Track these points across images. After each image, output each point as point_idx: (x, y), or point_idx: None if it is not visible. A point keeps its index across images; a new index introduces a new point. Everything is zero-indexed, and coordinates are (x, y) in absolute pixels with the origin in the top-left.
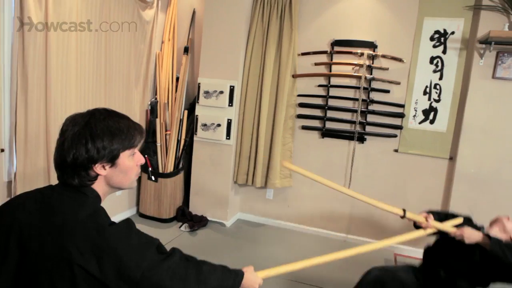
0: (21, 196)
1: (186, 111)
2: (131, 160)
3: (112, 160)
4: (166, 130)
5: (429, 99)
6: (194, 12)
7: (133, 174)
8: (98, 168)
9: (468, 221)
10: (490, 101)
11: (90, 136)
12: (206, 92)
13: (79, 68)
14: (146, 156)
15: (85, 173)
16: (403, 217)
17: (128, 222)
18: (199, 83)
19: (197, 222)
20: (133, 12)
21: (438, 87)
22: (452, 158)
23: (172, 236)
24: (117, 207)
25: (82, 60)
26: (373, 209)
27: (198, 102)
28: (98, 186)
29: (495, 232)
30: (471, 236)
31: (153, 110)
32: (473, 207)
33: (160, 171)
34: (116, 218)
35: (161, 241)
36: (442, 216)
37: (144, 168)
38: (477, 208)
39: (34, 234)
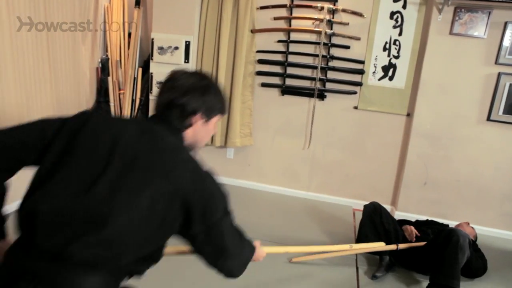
0: (117, 118)
1: (140, 69)
2: (214, 125)
3: (208, 117)
4: (119, 89)
5: (389, 55)
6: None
7: (208, 137)
8: (196, 119)
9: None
10: (446, 57)
11: (206, 91)
12: (161, 48)
13: (13, 23)
14: None
15: (186, 118)
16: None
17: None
18: (152, 39)
19: None
20: None
21: (397, 43)
22: (409, 115)
23: None
24: None
25: (16, 11)
26: (332, 167)
27: (152, 59)
28: (187, 134)
29: None
30: None
31: (104, 68)
32: (428, 162)
33: None
34: None
35: None
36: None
37: None
38: (431, 163)
39: (139, 153)
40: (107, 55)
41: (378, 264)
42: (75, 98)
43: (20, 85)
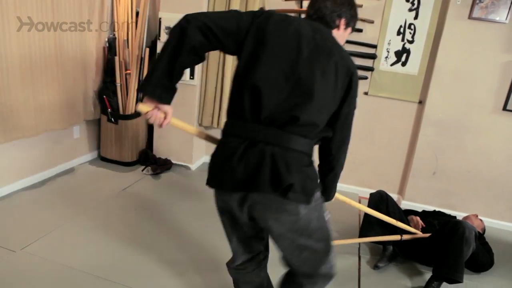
0: (290, 16)
1: (147, 49)
2: (346, 37)
3: (347, 25)
4: (126, 69)
5: (403, 39)
6: None
7: (342, 42)
8: (341, 23)
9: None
10: (464, 43)
11: (351, 6)
12: (168, 28)
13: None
14: (104, 96)
15: (336, 20)
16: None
17: None
18: (160, 18)
19: (160, 166)
20: None
21: (412, 27)
22: (421, 102)
23: (133, 180)
24: (76, 151)
25: None
26: None
27: (159, 39)
28: (334, 33)
29: None
30: None
31: (111, 47)
32: (438, 152)
33: (121, 112)
34: (75, 162)
35: (122, 184)
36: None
37: (103, 109)
38: (442, 152)
39: (318, 42)
40: (114, 35)
41: (381, 254)
42: (82, 78)
43: (26, 65)
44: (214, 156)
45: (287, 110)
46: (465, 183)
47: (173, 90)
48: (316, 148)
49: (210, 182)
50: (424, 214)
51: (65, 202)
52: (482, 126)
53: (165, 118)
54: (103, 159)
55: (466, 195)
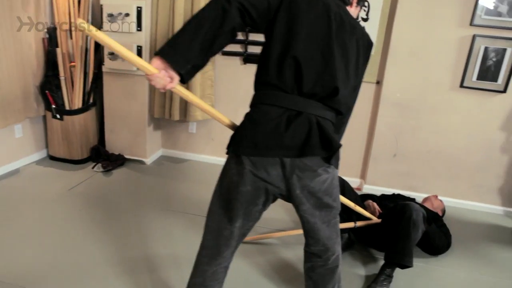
0: None
1: (93, 39)
2: (356, 15)
3: (358, 3)
4: (70, 62)
5: (357, 18)
6: None
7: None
8: (354, 0)
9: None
10: (418, 19)
11: None
12: (110, 15)
13: None
14: (47, 92)
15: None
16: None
17: None
18: (101, 5)
19: (112, 162)
20: None
21: (366, 4)
22: (379, 83)
23: (82, 178)
24: (20, 151)
25: None
26: None
27: (102, 28)
28: (348, 9)
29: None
30: None
31: (51, 38)
32: (397, 133)
33: (67, 108)
34: (21, 163)
35: (69, 184)
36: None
37: (47, 105)
38: (401, 134)
39: (343, 17)
40: (54, 24)
41: None
42: (19, 72)
43: None
44: (250, 125)
45: (328, 85)
46: (425, 163)
47: (198, 68)
48: None
49: (247, 150)
50: (382, 198)
51: (1, 206)
52: (440, 104)
53: (170, 82)
54: (52, 158)
55: (427, 176)
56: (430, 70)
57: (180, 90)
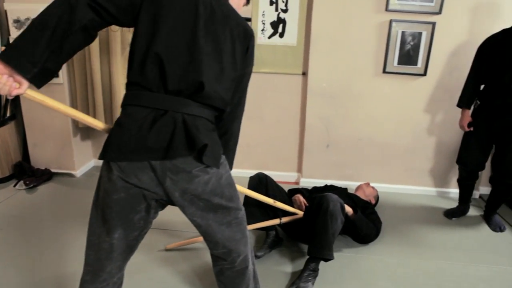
0: None
1: (3, 48)
2: (241, 5)
3: None
4: None
5: (276, 9)
6: None
7: (240, 7)
8: None
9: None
10: (336, 8)
11: None
12: (17, 22)
13: None
14: None
15: None
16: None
17: None
18: (5, 10)
19: (38, 177)
20: None
21: None
22: (305, 74)
23: (3, 198)
24: None
25: None
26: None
27: (10, 36)
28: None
29: (360, 196)
30: (347, 209)
31: None
32: (328, 123)
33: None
34: None
35: None
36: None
37: None
38: (332, 123)
39: (215, 9)
40: None
41: (263, 241)
42: None
43: None
44: (116, 130)
45: (192, 80)
46: (358, 151)
47: (50, 73)
48: None
49: (113, 155)
50: (313, 191)
51: None
52: (366, 91)
53: (18, 88)
54: None
55: (360, 164)
56: (353, 57)
57: (33, 95)
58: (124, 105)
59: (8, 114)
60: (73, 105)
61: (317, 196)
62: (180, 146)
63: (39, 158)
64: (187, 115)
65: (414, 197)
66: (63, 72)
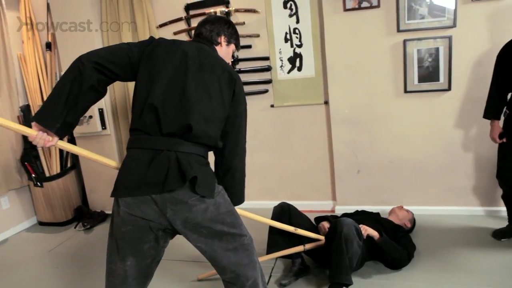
0: (176, 41)
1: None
2: (230, 54)
3: (228, 42)
4: None
5: (292, 45)
6: (48, 5)
7: (228, 59)
8: (221, 39)
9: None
10: (347, 36)
11: (226, 23)
12: None
13: None
14: (26, 163)
15: (216, 37)
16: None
17: None
18: None
19: (94, 218)
20: None
21: (297, 31)
22: (327, 102)
23: (64, 239)
24: (8, 221)
25: None
26: (265, 171)
27: None
28: (218, 49)
29: (393, 220)
30: (372, 233)
31: (25, 115)
32: (355, 149)
33: (47, 175)
34: (9, 233)
35: (52, 245)
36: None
37: (29, 175)
38: (359, 148)
39: (203, 60)
40: (27, 103)
41: (289, 269)
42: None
43: None
44: (121, 169)
45: (182, 123)
46: (390, 174)
47: (70, 125)
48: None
49: (119, 192)
50: (343, 217)
51: None
52: (389, 113)
53: (51, 140)
54: (40, 224)
55: (394, 187)
56: (372, 81)
57: (63, 145)
58: (128, 148)
59: (69, 165)
60: (120, 151)
61: (333, 221)
62: (174, 180)
63: (96, 201)
64: (180, 153)
65: (457, 219)
66: (110, 124)
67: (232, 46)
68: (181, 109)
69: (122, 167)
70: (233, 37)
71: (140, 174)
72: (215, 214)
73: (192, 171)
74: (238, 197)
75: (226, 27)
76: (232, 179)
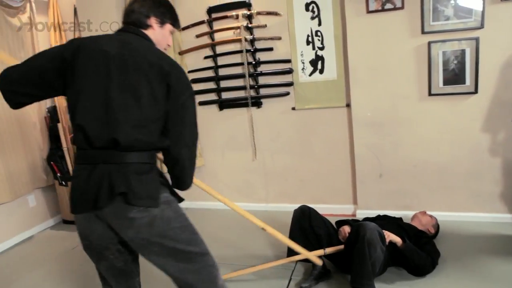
0: (97, 40)
1: None
2: (169, 35)
3: (162, 22)
4: (70, 134)
5: (313, 48)
6: (75, 9)
7: (165, 43)
8: (151, 21)
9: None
10: (370, 38)
11: (155, 2)
12: None
13: None
14: (52, 162)
15: (144, 19)
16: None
17: None
18: None
19: None
20: None
21: (319, 33)
22: (349, 105)
23: None
24: (34, 219)
25: None
26: (285, 174)
27: None
28: (149, 34)
29: (416, 226)
30: (395, 239)
31: (52, 116)
32: (378, 152)
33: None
34: (35, 230)
35: (77, 242)
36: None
37: (54, 174)
38: (382, 152)
39: (126, 59)
40: (54, 104)
41: (309, 273)
42: (26, 149)
43: None
44: (71, 186)
45: (108, 137)
46: (414, 179)
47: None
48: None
49: (72, 209)
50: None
51: (5, 271)
52: (413, 116)
53: None
54: (65, 222)
55: (418, 192)
56: (395, 84)
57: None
58: (74, 164)
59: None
60: None
61: (354, 225)
62: (104, 196)
63: None
64: (115, 164)
65: (483, 225)
66: None
67: (168, 27)
68: (107, 121)
69: (71, 184)
70: (167, 16)
71: (82, 190)
72: (165, 229)
73: (122, 185)
74: (185, 183)
75: (156, 6)
76: (182, 169)
